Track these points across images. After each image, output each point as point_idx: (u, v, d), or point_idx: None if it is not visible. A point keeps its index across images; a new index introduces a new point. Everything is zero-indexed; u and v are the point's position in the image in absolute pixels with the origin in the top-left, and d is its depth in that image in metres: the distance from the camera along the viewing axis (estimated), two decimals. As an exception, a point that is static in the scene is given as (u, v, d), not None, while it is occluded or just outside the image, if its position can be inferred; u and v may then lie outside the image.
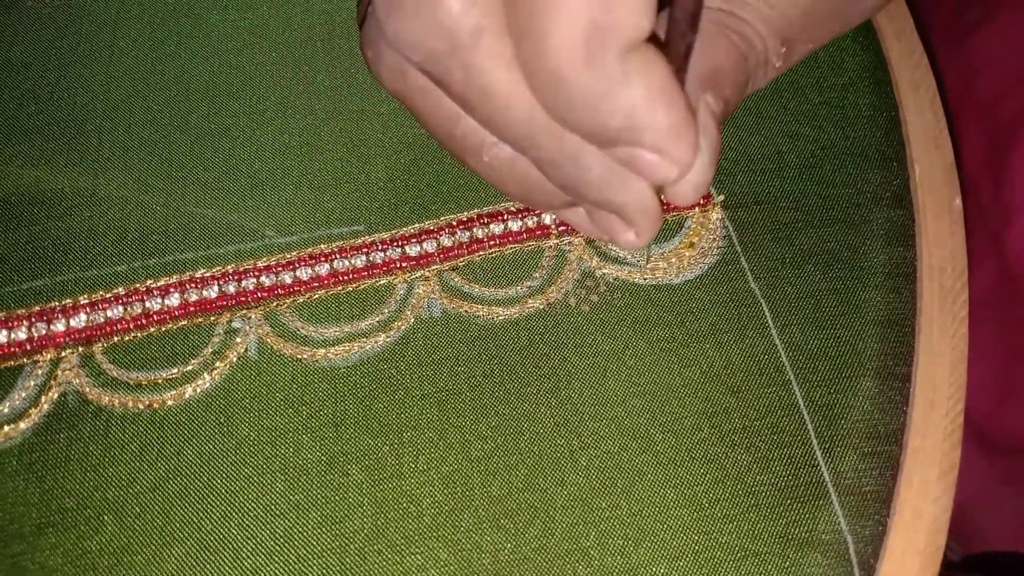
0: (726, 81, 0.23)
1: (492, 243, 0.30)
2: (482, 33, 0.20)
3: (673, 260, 0.30)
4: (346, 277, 0.30)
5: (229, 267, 0.30)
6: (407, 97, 0.24)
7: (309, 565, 0.26)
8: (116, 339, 0.29)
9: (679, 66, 0.21)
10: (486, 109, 0.22)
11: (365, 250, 0.30)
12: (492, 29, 0.20)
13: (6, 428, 0.27)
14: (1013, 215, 0.39)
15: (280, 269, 0.30)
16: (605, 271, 0.30)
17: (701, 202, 0.31)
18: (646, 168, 0.21)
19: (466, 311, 0.30)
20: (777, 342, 0.29)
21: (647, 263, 0.30)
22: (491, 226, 0.31)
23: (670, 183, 0.22)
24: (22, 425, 0.27)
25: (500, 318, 0.30)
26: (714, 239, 0.31)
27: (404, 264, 0.30)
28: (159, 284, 0.29)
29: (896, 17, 0.36)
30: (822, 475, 0.27)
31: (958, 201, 0.32)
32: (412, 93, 0.24)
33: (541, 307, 0.30)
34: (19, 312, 0.29)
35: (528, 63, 0.19)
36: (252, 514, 0.26)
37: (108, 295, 0.29)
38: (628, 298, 0.30)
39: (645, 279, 0.30)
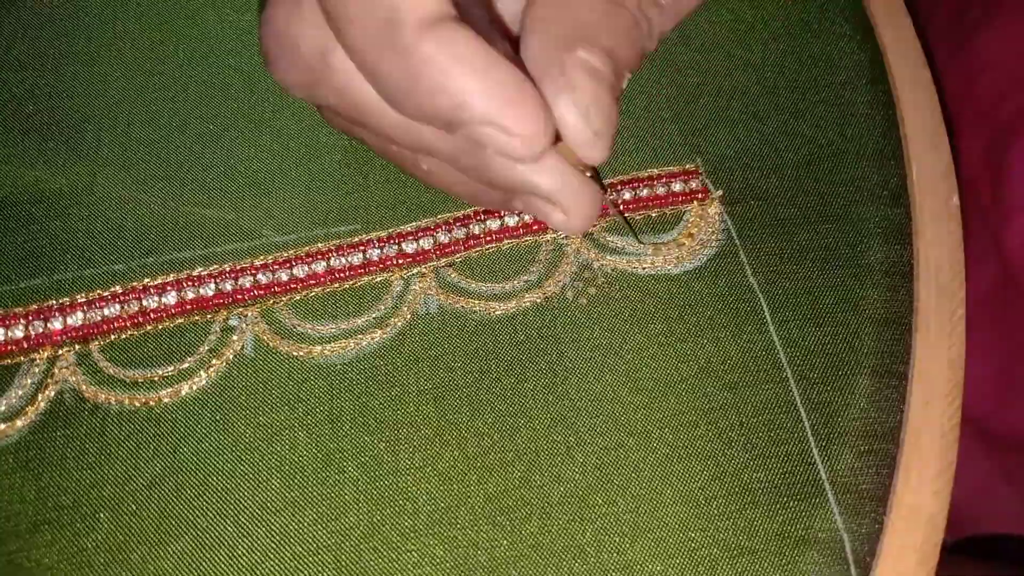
0: (599, 33, 0.22)
1: (489, 239, 0.30)
2: (327, 53, 0.20)
3: (673, 249, 0.30)
4: (343, 274, 0.30)
5: (226, 265, 0.30)
6: (344, 129, 0.25)
7: (305, 562, 0.26)
8: (113, 337, 0.29)
9: (488, 32, 0.21)
10: (372, 122, 0.22)
11: (362, 247, 0.30)
12: (333, 46, 0.20)
13: (3, 426, 0.27)
14: (1012, 214, 0.39)
15: (277, 267, 0.30)
16: (603, 262, 0.30)
17: (699, 196, 0.31)
18: (493, 144, 0.20)
19: (463, 307, 0.30)
20: (775, 338, 0.29)
21: (647, 251, 0.30)
22: (488, 222, 0.31)
23: (528, 156, 0.21)
24: (19, 423, 0.27)
25: (497, 313, 0.30)
26: (713, 231, 0.31)
27: (401, 261, 0.30)
28: (156, 282, 0.29)
29: (894, 15, 0.36)
30: (819, 473, 0.27)
31: (955, 199, 0.32)
32: (342, 124, 0.24)
33: (538, 301, 0.30)
34: (16, 310, 0.29)
35: (353, 61, 0.20)
36: (248, 511, 0.26)
37: (105, 293, 0.29)
38: (626, 290, 0.30)
39: (644, 269, 0.30)
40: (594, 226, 0.31)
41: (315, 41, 0.21)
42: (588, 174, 0.24)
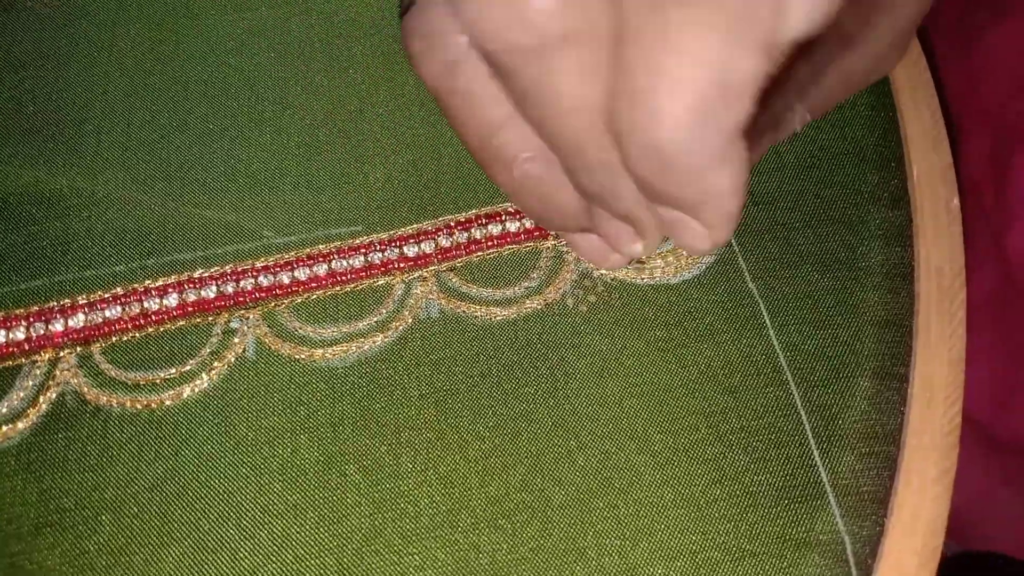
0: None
1: (490, 244, 0.30)
2: (570, 41, 0.20)
3: (671, 260, 0.30)
4: (344, 277, 0.30)
5: (227, 267, 0.30)
6: (451, 97, 0.23)
7: (306, 565, 0.26)
8: (114, 339, 0.29)
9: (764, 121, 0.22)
10: (547, 111, 0.21)
11: (363, 251, 0.30)
12: (582, 40, 0.20)
13: (4, 428, 0.27)
14: (1015, 219, 0.39)
15: (278, 269, 0.30)
16: (603, 271, 0.30)
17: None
18: (688, 236, 0.21)
19: (464, 311, 0.30)
20: (775, 342, 0.29)
21: (644, 262, 0.30)
22: (489, 227, 0.31)
23: (702, 251, 0.22)
24: (20, 425, 0.27)
25: (498, 318, 0.30)
26: (712, 239, 0.31)
27: (402, 264, 0.30)
28: (157, 284, 0.29)
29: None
30: (820, 475, 0.27)
31: (956, 201, 0.32)
32: (457, 95, 0.23)
33: (539, 307, 0.30)
34: (17, 312, 0.29)
35: (627, 122, 0.19)
36: (250, 514, 0.26)
37: (106, 295, 0.29)
38: (626, 298, 0.30)
39: (643, 279, 0.30)
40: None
41: (564, 24, 0.20)
42: None
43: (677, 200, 0.21)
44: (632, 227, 0.24)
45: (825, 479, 0.27)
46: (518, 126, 0.23)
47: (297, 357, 0.29)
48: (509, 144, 0.23)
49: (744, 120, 0.19)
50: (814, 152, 0.33)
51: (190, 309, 0.29)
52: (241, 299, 0.29)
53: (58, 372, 0.28)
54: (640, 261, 0.30)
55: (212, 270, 0.30)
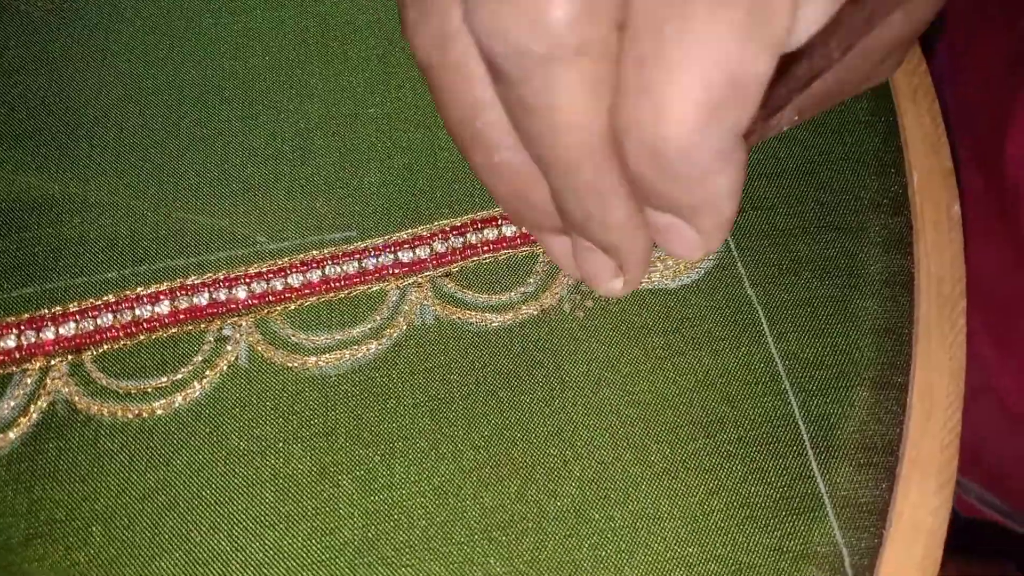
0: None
1: (486, 248, 0.30)
2: (583, 53, 0.19)
3: (670, 263, 0.30)
4: (338, 283, 0.29)
5: (220, 274, 0.29)
6: (438, 72, 0.22)
7: (299, 577, 0.26)
8: (106, 347, 0.28)
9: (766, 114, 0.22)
10: (544, 125, 0.21)
11: (357, 256, 0.30)
12: (594, 53, 0.19)
13: (-6, 437, 0.27)
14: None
15: (271, 276, 0.29)
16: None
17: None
18: (678, 240, 0.21)
19: (459, 318, 0.29)
20: (773, 351, 0.29)
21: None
22: (485, 231, 0.30)
23: (692, 258, 0.22)
24: (11, 435, 0.27)
25: (494, 325, 0.29)
26: (710, 245, 0.31)
27: (397, 270, 0.30)
28: (149, 291, 0.29)
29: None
30: (818, 486, 0.27)
31: (957, 207, 0.32)
32: (445, 70, 0.23)
33: (535, 313, 0.29)
34: (8, 320, 0.28)
35: (631, 117, 0.19)
36: (242, 525, 0.26)
37: (98, 303, 0.29)
38: (623, 304, 0.30)
39: (642, 283, 0.30)
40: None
41: (580, 36, 0.20)
42: None
43: (675, 203, 0.20)
44: (614, 260, 0.23)
45: (823, 490, 0.27)
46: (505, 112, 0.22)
47: (290, 365, 0.28)
48: (493, 127, 0.22)
49: (748, 122, 0.18)
50: (814, 158, 0.32)
51: (182, 316, 0.29)
52: (234, 306, 0.29)
53: (49, 381, 0.28)
54: None
55: (204, 276, 0.29)
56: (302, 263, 0.30)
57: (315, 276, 0.30)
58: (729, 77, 0.17)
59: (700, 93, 0.17)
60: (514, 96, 0.21)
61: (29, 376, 0.28)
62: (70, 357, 0.28)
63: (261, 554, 0.26)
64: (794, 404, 0.28)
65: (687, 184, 0.19)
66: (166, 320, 0.29)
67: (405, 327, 0.29)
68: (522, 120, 0.21)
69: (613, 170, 0.20)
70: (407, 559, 0.26)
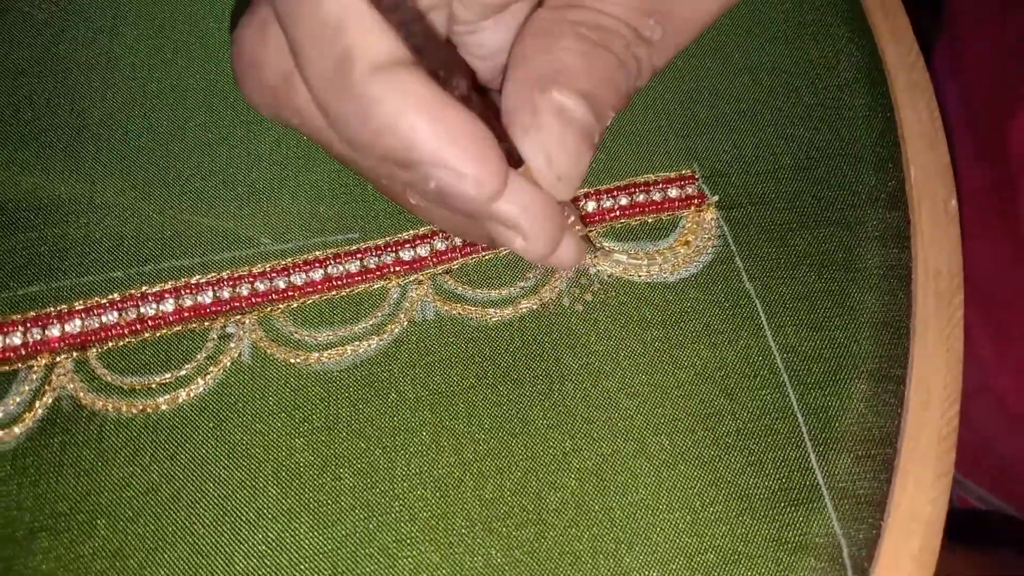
0: (578, 75, 0.22)
1: (485, 246, 0.30)
2: (290, 76, 0.21)
3: (668, 257, 0.30)
4: (340, 282, 0.30)
5: (224, 273, 0.30)
6: (341, 161, 0.25)
7: (301, 569, 0.26)
8: (111, 344, 0.29)
9: (447, 76, 0.20)
10: (336, 151, 0.22)
11: (359, 255, 0.30)
12: (295, 70, 0.20)
13: (0, 432, 0.27)
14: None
15: (274, 275, 0.30)
16: (600, 269, 0.30)
17: (696, 202, 0.31)
18: (445, 186, 0.20)
19: (459, 313, 0.30)
20: (771, 343, 0.29)
21: (643, 259, 0.30)
22: (484, 229, 0.30)
23: (480, 198, 0.21)
24: (16, 429, 0.27)
25: (494, 319, 0.30)
26: (709, 238, 0.31)
27: (398, 268, 0.30)
28: (154, 290, 0.29)
29: (892, 17, 0.36)
30: (816, 478, 0.27)
31: (954, 202, 0.32)
32: (338, 157, 0.24)
33: (535, 308, 0.30)
34: (14, 317, 0.29)
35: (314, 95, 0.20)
36: (244, 518, 0.26)
37: (103, 301, 0.29)
38: (623, 297, 0.30)
39: (641, 276, 0.30)
40: (591, 232, 0.31)
41: (279, 65, 0.22)
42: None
43: (378, 152, 0.20)
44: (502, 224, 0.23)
45: (821, 482, 0.27)
46: None
47: (293, 361, 0.29)
48: (390, 183, 0.25)
49: (378, 57, 0.19)
50: (811, 153, 0.33)
51: (186, 314, 0.29)
52: (237, 304, 0.29)
53: (54, 377, 0.28)
54: (634, 256, 0.30)
55: (209, 276, 0.30)
56: (305, 262, 0.30)
57: (317, 275, 0.30)
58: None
59: (316, 53, 0.20)
60: (316, 141, 0.24)
61: (35, 372, 0.28)
62: (75, 354, 0.29)
63: (264, 546, 0.26)
64: (792, 397, 0.28)
65: (360, 129, 0.20)
66: (170, 318, 0.29)
67: (406, 323, 0.29)
68: (334, 153, 0.24)
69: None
70: (408, 551, 0.26)
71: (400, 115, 0.19)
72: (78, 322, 0.29)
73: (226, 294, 0.30)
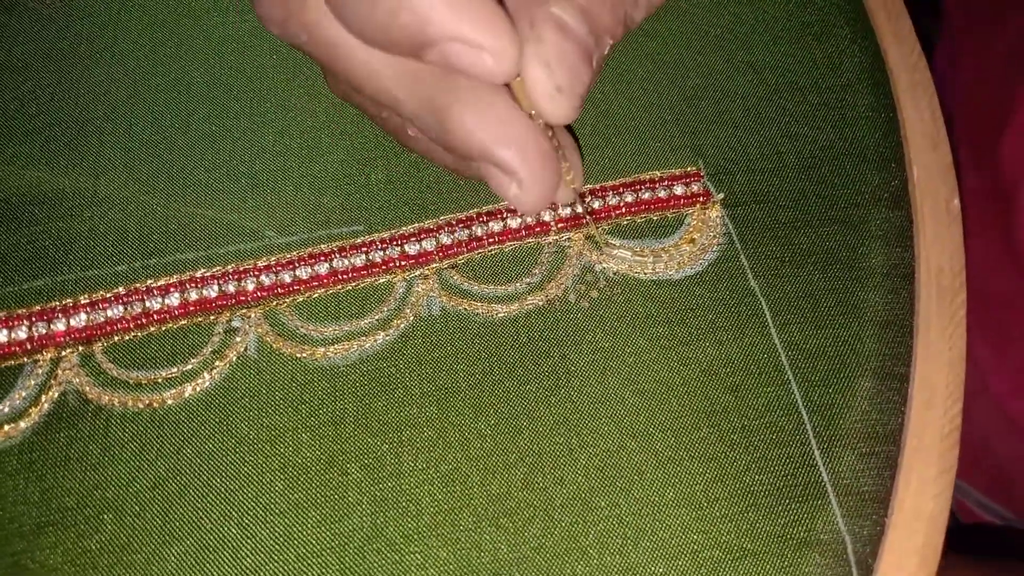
0: None
1: (491, 241, 0.30)
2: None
3: (673, 254, 0.31)
4: (345, 276, 0.30)
5: (229, 267, 0.30)
6: (351, 101, 0.26)
7: (308, 564, 0.26)
8: (116, 338, 0.29)
9: None
10: (341, 68, 0.22)
11: (364, 249, 0.30)
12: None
13: (6, 427, 0.27)
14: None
15: (280, 268, 0.30)
16: (605, 266, 0.30)
17: (701, 199, 0.31)
18: (462, 63, 0.20)
19: (465, 309, 0.30)
20: (776, 341, 0.29)
21: (648, 257, 0.30)
22: (490, 224, 0.31)
23: (499, 73, 0.21)
24: (22, 424, 0.27)
25: (499, 315, 0.30)
26: (714, 236, 0.31)
27: (403, 262, 0.30)
28: (159, 284, 0.29)
29: (895, 18, 0.36)
30: (820, 475, 0.27)
31: (956, 202, 0.32)
32: (342, 94, 0.24)
33: (541, 304, 0.30)
34: (19, 312, 0.29)
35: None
36: (251, 513, 0.26)
37: (108, 295, 0.29)
38: (628, 294, 0.30)
39: (646, 274, 0.30)
40: (596, 229, 0.31)
41: None
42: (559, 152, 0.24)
43: (395, 31, 0.20)
44: (499, 168, 0.23)
45: (826, 478, 0.27)
46: None
47: (298, 355, 0.29)
48: (391, 118, 0.26)
49: None
50: (815, 152, 0.33)
51: (192, 308, 0.29)
52: (243, 298, 0.29)
53: (60, 371, 0.28)
54: (639, 254, 0.30)
55: (214, 269, 0.30)
56: (310, 256, 0.30)
57: (323, 269, 0.30)
58: None
59: None
60: (321, 65, 0.25)
61: (40, 367, 0.28)
62: (81, 348, 0.29)
63: (271, 541, 0.26)
64: (797, 394, 0.28)
65: (373, 11, 0.20)
66: (176, 312, 0.29)
67: (412, 318, 0.30)
68: (340, 78, 0.25)
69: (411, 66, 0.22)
70: (415, 546, 0.26)
71: None
72: (83, 316, 0.29)
73: (231, 288, 0.29)
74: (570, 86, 0.22)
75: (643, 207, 0.31)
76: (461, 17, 0.20)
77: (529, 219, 0.31)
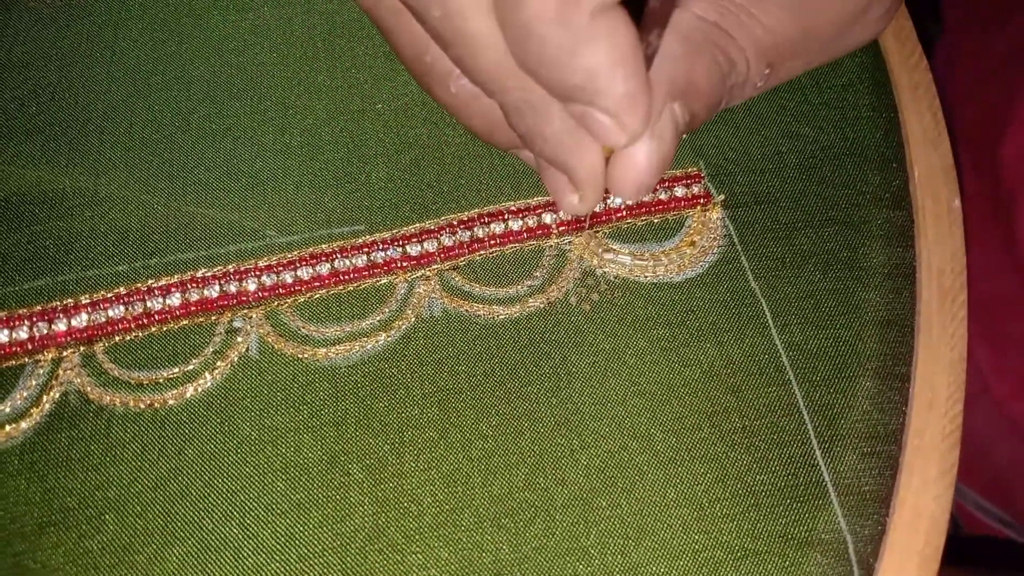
0: (698, 97, 0.23)
1: (492, 242, 0.30)
2: None
3: (674, 258, 0.31)
4: (347, 276, 0.30)
5: (230, 267, 0.30)
6: (379, 15, 0.24)
7: (310, 564, 0.26)
8: (117, 338, 0.29)
9: (646, 57, 0.21)
10: (458, 50, 0.22)
11: (366, 249, 0.30)
12: None
13: (8, 427, 0.27)
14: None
15: (281, 269, 0.30)
16: (606, 269, 0.30)
17: (701, 201, 0.31)
18: (596, 127, 0.21)
19: (467, 310, 0.30)
20: (777, 342, 0.29)
21: (649, 261, 0.30)
22: (492, 225, 0.31)
23: (619, 147, 0.22)
24: (24, 424, 0.27)
25: (501, 317, 0.30)
26: (715, 237, 0.31)
27: (405, 263, 0.30)
28: (160, 284, 0.29)
29: (895, 17, 0.36)
30: (822, 475, 0.27)
31: (957, 202, 0.32)
32: (387, 11, 0.24)
33: (542, 306, 0.30)
34: (21, 312, 0.29)
35: (502, 11, 0.20)
36: (253, 513, 0.26)
37: (109, 295, 0.29)
38: (629, 296, 0.30)
39: (647, 277, 0.30)
40: (596, 233, 0.31)
41: None
42: None
43: (563, 85, 0.20)
44: (566, 175, 0.24)
45: (827, 478, 0.27)
46: None
47: (300, 356, 0.29)
48: (441, 59, 0.24)
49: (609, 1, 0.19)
50: (816, 153, 0.33)
51: (193, 308, 0.29)
52: (244, 298, 0.29)
53: (61, 372, 0.28)
54: (640, 258, 0.30)
55: (215, 269, 0.30)
56: (311, 256, 0.30)
57: (324, 269, 0.30)
58: None
59: None
60: (429, 29, 0.22)
61: (41, 367, 0.28)
62: (82, 348, 0.29)
63: (272, 541, 0.26)
64: (798, 394, 0.29)
65: (561, 60, 0.20)
66: (177, 312, 0.29)
67: (414, 319, 0.30)
68: (447, 50, 0.22)
69: (534, 83, 0.21)
70: (416, 546, 0.26)
71: (608, 64, 0.19)
72: (84, 316, 0.29)
73: (233, 288, 0.29)
74: (655, 180, 0.23)
75: (644, 209, 0.31)
76: (628, 104, 0.20)
77: (531, 222, 0.31)
